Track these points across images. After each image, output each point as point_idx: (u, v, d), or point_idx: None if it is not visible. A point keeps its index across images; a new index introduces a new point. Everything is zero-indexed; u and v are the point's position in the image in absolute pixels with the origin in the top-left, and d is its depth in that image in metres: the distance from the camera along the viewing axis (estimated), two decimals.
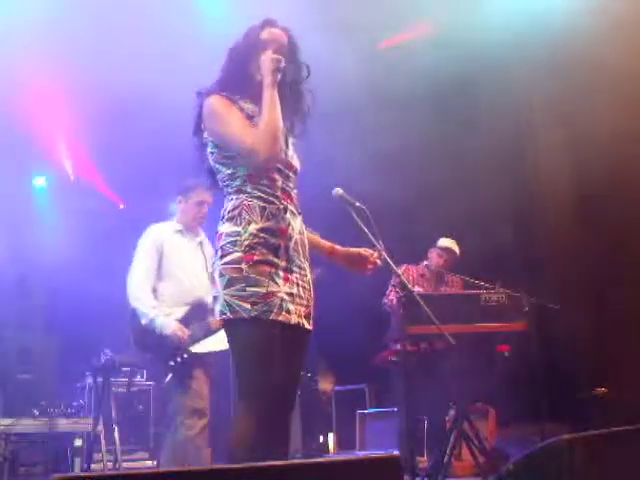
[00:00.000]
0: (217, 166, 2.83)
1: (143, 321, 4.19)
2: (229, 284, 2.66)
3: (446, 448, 4.48)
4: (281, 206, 2.77)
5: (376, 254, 3.11)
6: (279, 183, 2.80)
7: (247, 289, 2.63)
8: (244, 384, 2.67)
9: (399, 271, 3.98)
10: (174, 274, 4.40)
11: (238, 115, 2.78)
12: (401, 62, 6.13)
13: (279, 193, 2.79)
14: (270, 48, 2.83)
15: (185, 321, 4.24)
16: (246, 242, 2.68)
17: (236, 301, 2.64)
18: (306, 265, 2.85)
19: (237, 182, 2.78)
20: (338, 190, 4.03)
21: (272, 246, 2.71)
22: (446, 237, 5.87)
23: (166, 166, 6.97)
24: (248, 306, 2.62)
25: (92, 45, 5.87)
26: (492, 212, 6.14)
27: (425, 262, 5.84)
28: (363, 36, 6.15)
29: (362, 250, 3.11)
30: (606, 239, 5.85)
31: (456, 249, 5.78)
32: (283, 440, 2.78)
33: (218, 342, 4.19)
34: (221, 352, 4.18)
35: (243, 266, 2.65)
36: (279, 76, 2.78)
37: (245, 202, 2.74)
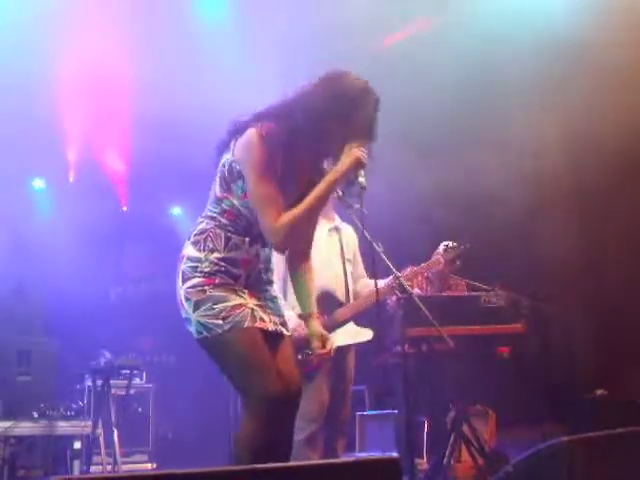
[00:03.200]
0: (218, 180, 2.82)
1: None
2: (197, 306, 2.69)
3: (446, 450, 4.48)
4: (247, 239, 2.77)
5: (327, 348, 2.94)
6: (256, 228, 2.77)
7: (215, 307, 2.67)
8: (246, 392, 2.71)
9: (399, 273, 3.97)
10: None
11: (271, 176, 2.69)
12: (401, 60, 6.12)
13: (254, 232, 2.78)
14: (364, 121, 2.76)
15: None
16: (207, 269, 2.71)
17: (209, 320, 2.66)
18: (268, 286, 2.89)
19: (216, 210, 2.79)
20: (338, 191, 4.01)
21: (232, 274, 2.74)
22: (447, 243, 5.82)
23: (168, 168, 6.98)
24: (221, 321, 2.66)
25: (94, 44, 5.88)
26: (493, 212, 6.12)
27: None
28: (365, 36, 6.14)
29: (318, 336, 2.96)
30: (606, 239, 5.85)
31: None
32: (286, 442, 2.78)
33: (346, 336, 4.18)
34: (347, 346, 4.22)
35: (206, 288, 2.69)
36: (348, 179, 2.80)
37: (212, 230, 2.76)
